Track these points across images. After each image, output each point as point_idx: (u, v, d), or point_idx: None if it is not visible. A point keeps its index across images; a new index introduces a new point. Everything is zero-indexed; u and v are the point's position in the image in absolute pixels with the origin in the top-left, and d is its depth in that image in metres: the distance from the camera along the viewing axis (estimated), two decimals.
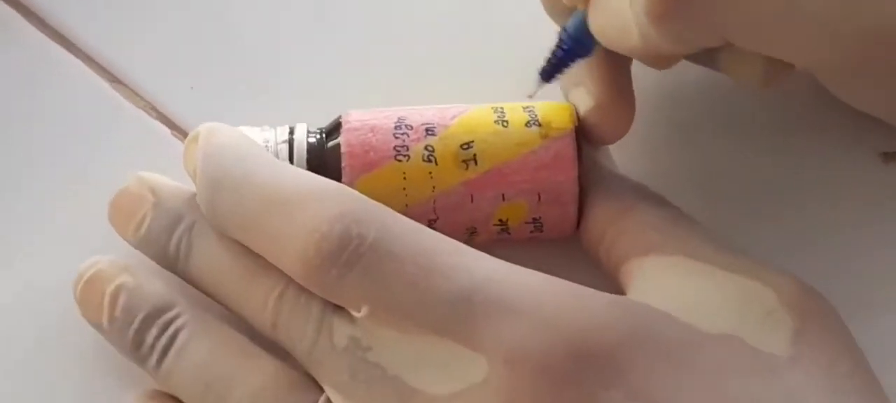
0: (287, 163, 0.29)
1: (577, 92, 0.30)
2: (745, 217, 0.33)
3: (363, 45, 0.36)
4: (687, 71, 0.32)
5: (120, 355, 0.29)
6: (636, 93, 0.31)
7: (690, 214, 0.30)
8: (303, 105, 0.34)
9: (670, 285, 0.27)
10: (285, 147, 0.29)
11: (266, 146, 0.29)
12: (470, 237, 0.30)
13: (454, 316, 0.25)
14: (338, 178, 0.29)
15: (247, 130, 0.29)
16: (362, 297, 0.26)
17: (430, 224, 0.29)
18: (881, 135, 0.33)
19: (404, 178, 0.29)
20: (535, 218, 0.30)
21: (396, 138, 0.29)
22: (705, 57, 0.30)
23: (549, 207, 0.30)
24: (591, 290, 0.26)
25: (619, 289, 0.29)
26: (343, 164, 0.29)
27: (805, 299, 0.27)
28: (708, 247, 0.28)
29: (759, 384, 0.25)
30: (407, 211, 0.28)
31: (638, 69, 0.31)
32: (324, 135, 0.30)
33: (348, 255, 0.26)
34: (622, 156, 0.32)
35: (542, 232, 0.30)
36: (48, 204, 0.34)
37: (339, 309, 0.27)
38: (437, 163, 0.29)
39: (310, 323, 0.26)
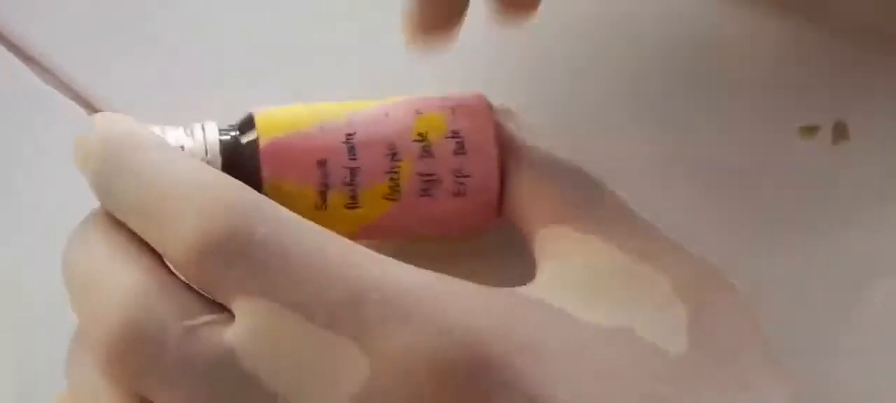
0: (186, 154, 0.28)
1: None
2: (667, 197, 0.33)
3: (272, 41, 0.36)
4: (599, 57, 0.32)
5: None
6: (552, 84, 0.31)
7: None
8: (213, 100, 0.34)
9: (575, 268, 0.27)
10: (199, 145, 0.29)
11: (180, 146, 0.29)
12: (393, 160, 0.30)
13: (346, 315, 0.24)
14: (256, 172, 0.29)
15: (157, 129, 0.29)
16: (247, 291, 0.25)
17: (349, 138, 0.29)
18: (799, 110, 0.34)
19: (317, 111, 0.30)
20: (455, 132, 0.30)
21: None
22: None
23: (465, 120, 0.30)
24: (490, 291, 0.26)
25: (530, 255, 0.29)
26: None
27: (701, 284, 0.27)
28: (621, 227, 0.28)
29: (651, 381, 0.25)
30: (322, 130, 0.29)
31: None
32: (237, 132, 0.30)
33: (235, 247, 0.25)
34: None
35: (465, 154, 0.30)
36: None
37: (214, 316, 0.25)
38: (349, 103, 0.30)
39: (177, 316, 0.25)
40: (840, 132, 0.34)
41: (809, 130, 0.34)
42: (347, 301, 0.24)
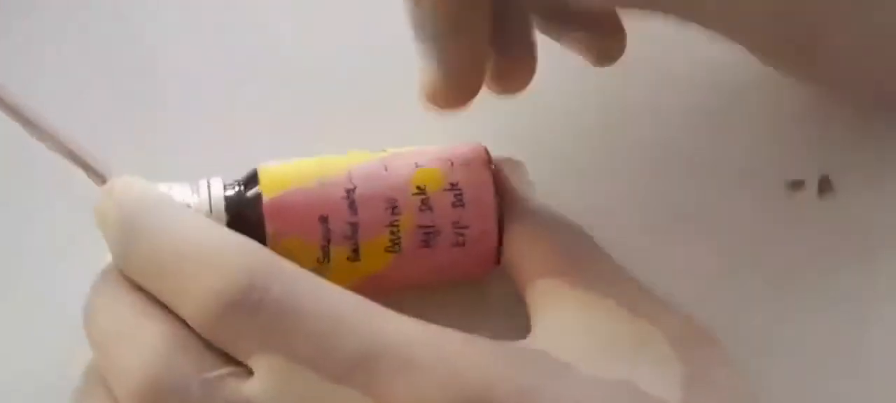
0: (201, 215, 0.29)
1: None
2: (658, 248, 0.33)
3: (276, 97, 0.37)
4: (589, 101, 0.33)
5: None
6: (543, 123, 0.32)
7: (602, 245, 0.31)
8: (217, 156, 0.34)
9: (572, 321, 0.28)
10: (204, 202, 0.30)
11: (186, 203, 0.29)
12: (393, 214, 0.30)
13: (359, 371, 0.25)
14: (260, 227, 0.29)
15: (164, 186, 0.30)
16: (263, 348, 0.26)
17: (349, 193, 0.30)
18: (785, 166, 0.34)
19: (318, 165, 0.30)
20: (453, 184, 0.30)
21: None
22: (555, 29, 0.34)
23: (463, 172, 0.30)
24: (493, 343, 0.27)
25: (524, 306, 0.30)
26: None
27: (694, 341, 0.28)
28: (614, 282, 0.29)
29: None
30: (323, 186, 0.30)
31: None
32: (242, 188, 0.30)
33: (250, 305, 0.26)
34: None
35: (463, 206, 0.30)
36: None
37: (232, 368, 0.26)
38: (349, 155, 0.31)
39: (200, 372, 0.26)
40: (825, 186, 0.35)
41: (796, 184, 0.35)
42: (359, 355, 0.25)
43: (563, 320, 0.28)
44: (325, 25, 0.38)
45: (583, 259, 0.30)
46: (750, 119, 0.36)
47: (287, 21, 0.39)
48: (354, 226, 0.30)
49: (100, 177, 0.30)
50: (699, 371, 0.27)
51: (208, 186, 0.30)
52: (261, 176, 0.30)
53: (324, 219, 0.30)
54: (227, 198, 0.30)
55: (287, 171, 0.30)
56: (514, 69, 0.34)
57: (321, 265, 0.30)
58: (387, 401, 0.25)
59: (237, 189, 0.30)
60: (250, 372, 0.26)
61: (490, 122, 0.33)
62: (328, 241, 0.30)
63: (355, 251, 0.30)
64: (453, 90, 0.32)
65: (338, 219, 0.30)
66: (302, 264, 0.27)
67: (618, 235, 0.31)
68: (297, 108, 0.37)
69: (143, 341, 0.26)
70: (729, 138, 0.35)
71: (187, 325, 0.27)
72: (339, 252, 0.30)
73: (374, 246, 0.30)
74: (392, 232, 0.30)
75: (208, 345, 0.26)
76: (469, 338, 0.26)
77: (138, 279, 0.28)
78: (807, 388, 0.31)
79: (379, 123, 0.35)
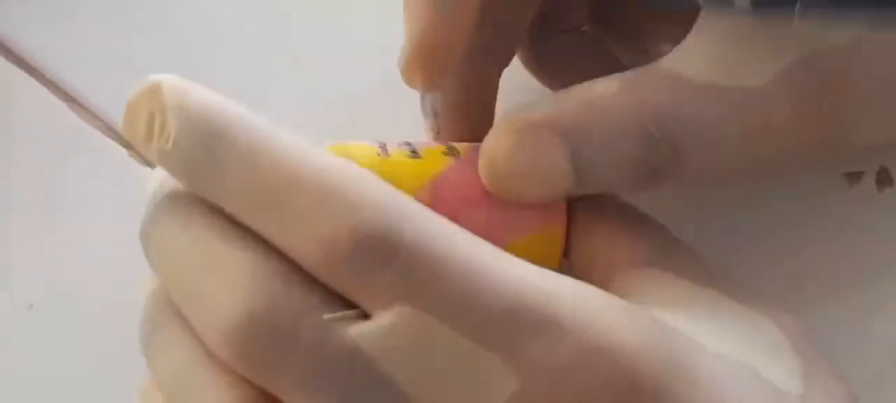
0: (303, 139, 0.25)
1: None
2: (713, 243, 0.32)
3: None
4: None
5: None
6: None
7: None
8: None
9: (678, 307, 0.26)
10: None
11: None
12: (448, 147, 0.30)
13: (500, 328, 0.23)
14: None
15: None
16: (396, 297, 0.23)
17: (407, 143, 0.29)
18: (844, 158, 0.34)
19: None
20: None
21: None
22: None
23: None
24: (632, 308, 0.24)
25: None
26: None
27: (806, 339, 0.26)
28: (705, 272, 0.28)
29: None
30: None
31: None
32: None
33: (387, 248, 0.23)
34: None
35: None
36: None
37: (348, 306, 0.23)
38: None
39: (309, 309, 0.23)
40: (884, 177, 0.34)
41: (854, 176, 0.34)
42: (500, 314, 0.23)
43: (668, 306, 0.26)
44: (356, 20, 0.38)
45: (671, 250, 0.28)
46: None
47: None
48: (409, 143, 0.29)
49: (141, 155, 0.29)
50: (815, 369, 0.26)
51: None
52: None
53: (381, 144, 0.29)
54: None
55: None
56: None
57: (382, 160, 0.28)
58: (526, 364, 0.23)
59: None
60: (366, 316, 0.23)
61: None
62: (385, 145, 0.29)
63: (414, 151, 0.29)
64: (425, 63, 0.30)
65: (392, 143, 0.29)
66: (364, 162, 0.26)
67: (681, 232, 0.30)
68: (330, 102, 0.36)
69: (237, 269, 0.23)
70: None
71: (288, 259, 0.23)
72: (398, 151, 0.29)
73: (431, 151, 0.29)
74: (448, 146, 0.29)
75: (317, 282, 0.23)
76: (611, 299, 0.24)
77: (221, 201, 0.24)
78: (869, 384, 0.30)
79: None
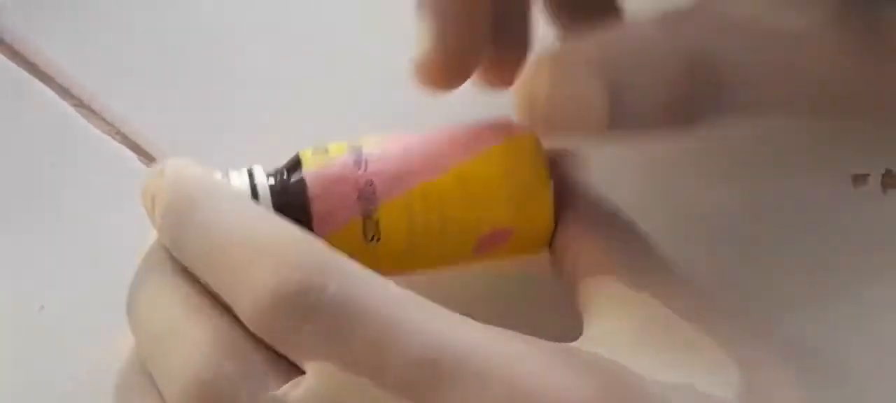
0: (255, 204, 0.28)
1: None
2: (720, 245, 0.33)
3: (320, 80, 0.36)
4: None
5: None
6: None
7: (661, 244, 0.30)
8: (261, 138, 0.34)
9: (627, 323, 0.27)
10: (247, 189, 0.29)
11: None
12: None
13: (419, 379, 0.24)
14: (304, 214, 0.28)
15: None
16: (317, 352, 0.24)
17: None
18: (849, 160, 0.34)
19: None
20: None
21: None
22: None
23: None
24: (553, 348, 0.25)
25: (575, 302, 0.29)
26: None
27: (746, 343, 0.27)
28: (666, 284, 0.28)
29: None
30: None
31: None
32: (286, 175, 0.29)
33: (307, 304, 0.24)
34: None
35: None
36: (6, 226, 0.34)
37: (283, 367, 0.25)
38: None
39: (248, 378, 0.25)
40: (889, 180, 0.34)
41: (859, 178, 0.34)
42: (421, 364, 0.24)
43: (617, 321, 0.27)
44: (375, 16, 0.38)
45: (638, 258, 0.29)
46: None
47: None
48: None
49: (149, 159, 0.30)
50: (756, 377, 0.26)
51: (249, 175, 0.29)
52: (303, 159, 0.29)
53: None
54: (271, 188, 0.29)
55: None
56: (505, 62, 0.33)
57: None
58: None
59: (279, 177, 0.29)
60: (302, 372, 0.25)
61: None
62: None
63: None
64: (447, 66, 0.31)
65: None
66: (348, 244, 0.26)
67: (673, 233, 0.30)
68: (339, 99, 0.36)
69: (193, 340, 0.25)
70: (792, 132, 0.34)
71: (238, 321, 0.25)
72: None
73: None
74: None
75: (258, 345, 0.25)
76: (530, 343, 0.25)
77: (189, 266, 0.27)
78: (869, 386, 0.31)
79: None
